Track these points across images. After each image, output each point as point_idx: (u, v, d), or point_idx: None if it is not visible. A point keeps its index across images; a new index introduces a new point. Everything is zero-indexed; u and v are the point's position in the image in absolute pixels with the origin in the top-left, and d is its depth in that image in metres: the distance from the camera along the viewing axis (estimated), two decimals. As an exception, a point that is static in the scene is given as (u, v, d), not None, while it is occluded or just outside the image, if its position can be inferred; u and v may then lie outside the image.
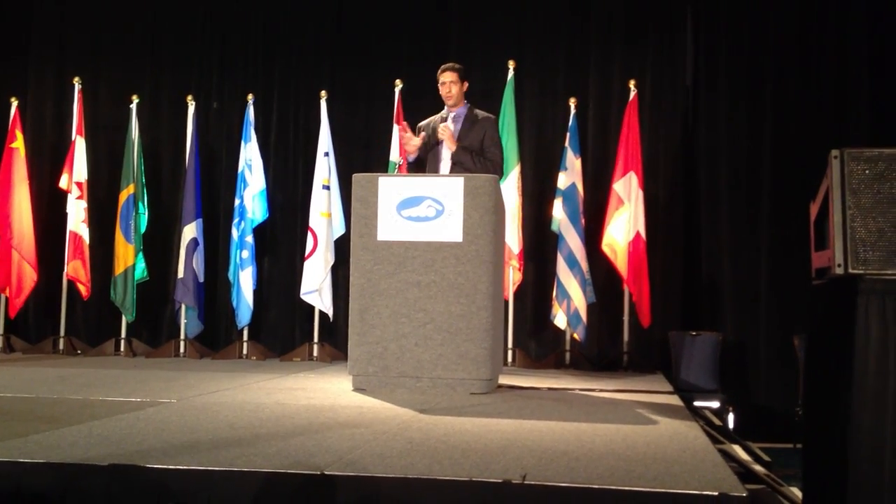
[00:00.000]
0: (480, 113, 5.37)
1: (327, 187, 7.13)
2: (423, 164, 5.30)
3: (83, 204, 7.40)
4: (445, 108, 5.38)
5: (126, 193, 7.38)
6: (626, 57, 7.39)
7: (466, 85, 5.37)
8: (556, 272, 6.83)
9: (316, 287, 7.01)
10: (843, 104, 7.05)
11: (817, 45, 7.15)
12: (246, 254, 7.21)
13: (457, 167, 5.15)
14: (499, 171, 5.31)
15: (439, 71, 5.35)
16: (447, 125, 5.22)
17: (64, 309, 7.52)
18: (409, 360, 4.63)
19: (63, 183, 7.45)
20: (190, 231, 7.31)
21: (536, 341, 7.34)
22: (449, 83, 5.28)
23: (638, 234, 6.76)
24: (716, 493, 2.35)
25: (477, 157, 5.18)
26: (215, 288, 7.66)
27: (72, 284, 7.46)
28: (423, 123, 5.48)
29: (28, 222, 7.46)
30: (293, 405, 4.16)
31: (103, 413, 3.71)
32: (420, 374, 4.62)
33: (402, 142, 5.22)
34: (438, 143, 5.25)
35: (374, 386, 4.66)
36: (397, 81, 7.21)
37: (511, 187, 6.83)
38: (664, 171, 7.30)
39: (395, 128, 7.08)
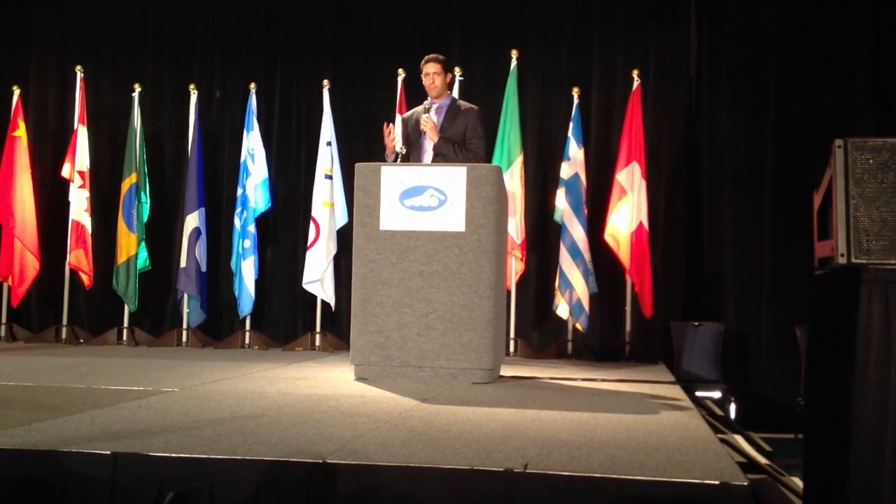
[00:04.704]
0: (463, 104, 5.26)
1: (329, 177, 7.13)
2: (407, 158, 5.19)
3: (85, 193, 7.39)
4: (428, 99, 5.25)
5: (128, 182, 7.38)
6: (629, 46, 7.38)
7: (450, 77, 5.30)
8: (558, 262, 6.82)
9: (318, 277, 7.01)
10: (847, 94, 7.03)
11: (820, 34, 7.13)
12: (248, 243, 7.21)
13: (439, 159, 5.07)
14: (481, 162, 5.11)
15: (422, 62, 5.23)
16: (429, 116, 5.11)
17: (66, 298, 7.53)
18: (412, 350, 4.63)
19: (65, 172, 7.45)
20: (192, 220, 7.31)
21: (538, 331, 7.34)
22: (433, 74, 5.18)
23: (640, 225, 6.76)
24: (717, 483, 2.36)
25: (459, 149, 5.09)
26: (217, 277, 7.66)
27: (74, 273, 7.46)
28: (405, 115, 5.42)
29: (30, 211, 7.46)
30: (295, 394, 4.17)
31: (106, 402, 3.72)
32: (422, 364, 4.62)
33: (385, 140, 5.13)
34: (421, 135, 5.16)
35: (377, 375, 4.66)
36: (399, 70, 7.19)
37: (514, 177, 6.82)
38: (667, 162, 7.28)
39: (398, 117, 7.07)
